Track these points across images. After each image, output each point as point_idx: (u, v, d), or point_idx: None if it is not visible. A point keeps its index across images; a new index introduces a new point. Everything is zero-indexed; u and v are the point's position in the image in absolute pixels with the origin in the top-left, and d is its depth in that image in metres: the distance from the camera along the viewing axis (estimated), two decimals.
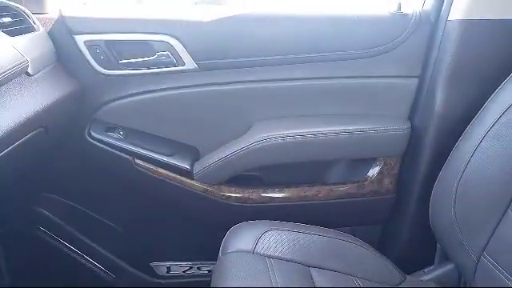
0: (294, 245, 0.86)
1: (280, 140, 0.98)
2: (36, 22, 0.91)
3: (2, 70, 0.68)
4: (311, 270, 0.83)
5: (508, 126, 0.77)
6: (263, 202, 1.04)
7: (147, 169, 1.02)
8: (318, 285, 0.79)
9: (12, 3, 0.88)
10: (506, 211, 0.76)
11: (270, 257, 0.83)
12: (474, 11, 0.88)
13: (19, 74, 0.76)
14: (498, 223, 0.77)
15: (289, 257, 0.84)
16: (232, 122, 1.03)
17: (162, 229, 1.14)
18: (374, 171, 1.04)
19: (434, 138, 0.96)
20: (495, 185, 0.78)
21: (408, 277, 0.90)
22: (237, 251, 0.84)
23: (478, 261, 0.80)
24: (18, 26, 0.84)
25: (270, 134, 0.99)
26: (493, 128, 0.79)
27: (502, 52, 0.89)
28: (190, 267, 1.17)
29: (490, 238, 0.79)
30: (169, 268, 1.17)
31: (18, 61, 0.74)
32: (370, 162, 1.05)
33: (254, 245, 0.85)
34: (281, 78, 1.00)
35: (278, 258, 0.83)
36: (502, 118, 0.78)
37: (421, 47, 0.97)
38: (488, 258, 0.78)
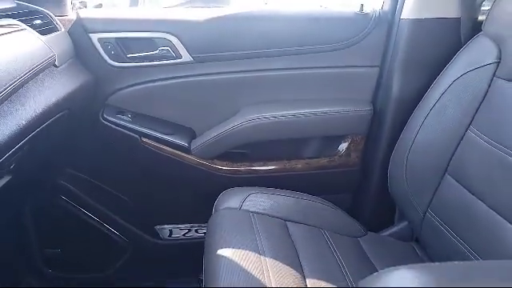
0: (274, 204, 0.99)
1: (264, 120, 1.10)
2: (58, 22, 1.03)
3: (39, 62, 0.82)
4: (287, 223, 0.96)
5: (445, 105, 0.91)
6: (250, 174, 1.15)
7: (152, 146, 1.13)
8: (292, 234, 0.93)
9: (39, 7, 1.01)
10: (444, 174, 0.90)
11: (253, 212, 0.96)
12: (422, 11, 1.01)
13: (49, 65, 0.89)
14: (439, 184, 0.91)
15: (269, 213, 0.97)
16: (223, 107, 1.14)
17: (164, 197, 1.23)
18: (342, 147, 1.16)
19: (392, 117, 1.08)
20: (436, 153, 0.91)
21: (369, 232, 1.04)
22: (226, 208, 0.97)
23: (424, 216, 0.94)
24: (46, 27, 0.96)
25: (256, 116, 1.10)
26: (434, 107, 0.93)
27: (443, 45, 1.01)
28: (189, 229, 1.27)
29: (432, 197, 0.92)
30: (171, 231, 1.27)
31: (49, 55, 0.87)
32: (339, 139, 1.17)
33: (241, 203, 0.97)
34: (264, 69, 1.11)
35: (260, 213, 0.96)
36: (440, 99, 0.92)
37: (380, 41, 1.09)
38: (432, 214, 0.92)
